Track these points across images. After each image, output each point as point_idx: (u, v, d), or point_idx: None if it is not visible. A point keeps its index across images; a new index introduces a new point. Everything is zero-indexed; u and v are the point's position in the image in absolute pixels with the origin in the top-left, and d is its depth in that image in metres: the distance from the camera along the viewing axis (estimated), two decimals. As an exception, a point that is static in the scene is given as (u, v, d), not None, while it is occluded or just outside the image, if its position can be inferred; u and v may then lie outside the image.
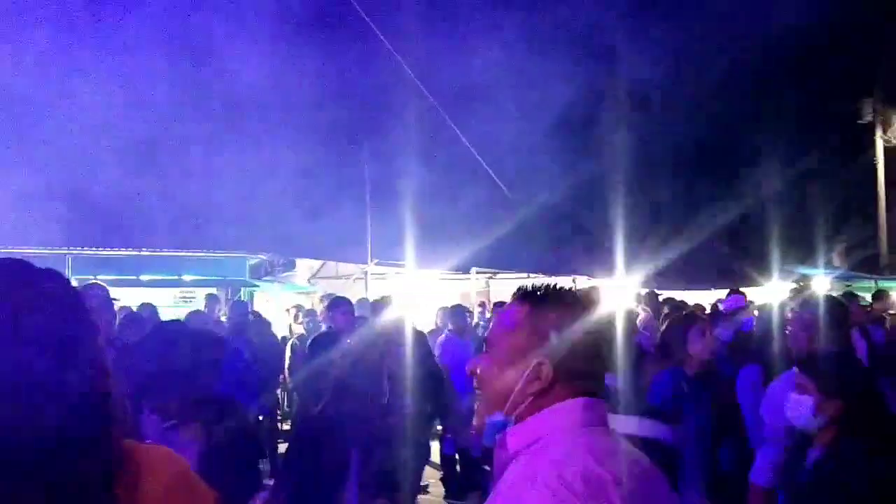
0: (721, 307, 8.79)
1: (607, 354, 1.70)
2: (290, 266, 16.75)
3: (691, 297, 12.72)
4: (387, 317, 6.74)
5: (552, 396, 1.61)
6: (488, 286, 14.66)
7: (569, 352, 1.62)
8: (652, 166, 18.99)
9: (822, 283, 15.07)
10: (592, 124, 17.15)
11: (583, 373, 1.63)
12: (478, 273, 13.96)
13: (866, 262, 19.54)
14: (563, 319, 1.64)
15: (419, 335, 6.54)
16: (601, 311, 1.72)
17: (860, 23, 21.75)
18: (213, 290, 12.88)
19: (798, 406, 2.90)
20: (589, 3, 14.82)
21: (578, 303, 1.69)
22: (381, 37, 12.15)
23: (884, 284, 15.63)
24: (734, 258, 15.99)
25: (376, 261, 12.53)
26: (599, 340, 1.66)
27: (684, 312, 6.92)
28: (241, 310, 9.65)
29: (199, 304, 11.94)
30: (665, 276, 13.48)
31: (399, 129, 12.52)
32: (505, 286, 13.88)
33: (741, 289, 11.10)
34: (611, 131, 16.36)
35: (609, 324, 1.75)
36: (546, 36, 15.20)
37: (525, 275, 14.25)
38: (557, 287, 1.74)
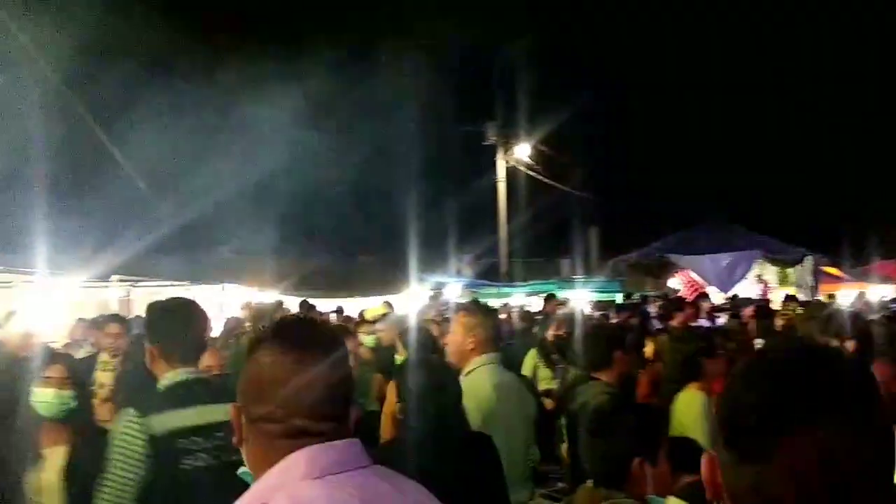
0: (367, 316, 9.29)
1: (296, 388, 1.49)
2: None
3: (338, 304, 13.22)
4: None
5: (264, 451, 1.50)
6: (129, 295, 13.86)
7: (252, 398, 1.53)
8: (301, 178, 19.30)
9: (454, 289, 16.53)
10: (245, 125, 16.95)
11: (272, 418, 1.49)
12: (120, 281, 13.14)
13: (490, 271, 21.80)
14: (250, 361, 1.56)
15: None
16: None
17: (484, 54, 24.27)
18: None
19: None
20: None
21: (264, 339, 1.57)
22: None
23: (504, 290, 17.54)
24: (379, 267, 16.86)
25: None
26: (271, 375, 1.50)
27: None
28: None
29: None
30: (312, 285, 13.81)
31: (25, 116, 11.38)
32: (147, 295, 13.25)
33: (386, 297, 11.82)
34: (262, 138, 16.32)
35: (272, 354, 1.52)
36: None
37: (169, 283, 13.71)
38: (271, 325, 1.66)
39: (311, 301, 12.59)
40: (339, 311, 12.01)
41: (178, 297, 3.49)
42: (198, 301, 3.36)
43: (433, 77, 21.59)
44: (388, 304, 9.90)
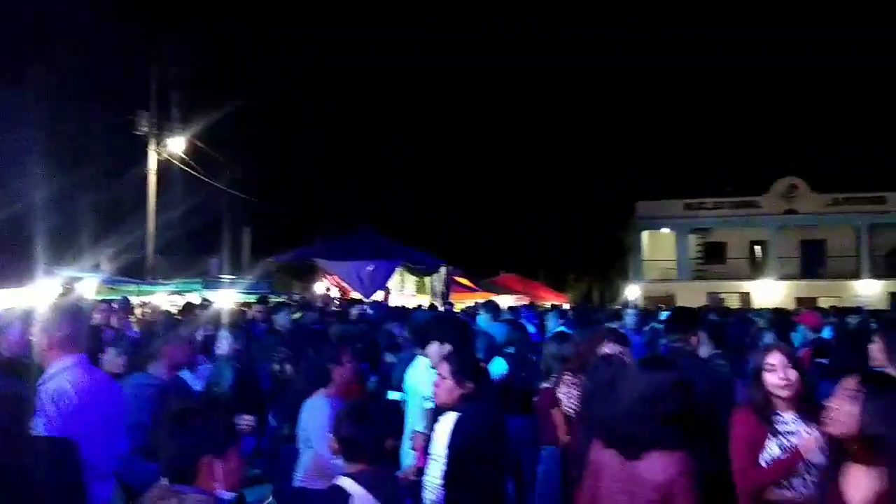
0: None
1: None
2: None
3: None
4: None
5: None
6: None
7: None
8: None
9: (90, 285, 15.51)
10: None
11: None
12: None
13: (133, 267, 20.73)
14: None
15: None
16: None
17: (141, 45, 23.16)
18: None
19: None
20: None
21: None
22: None
23: (145, 288, 16.83)
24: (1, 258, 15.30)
25: None
26: None
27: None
28: None
29: None
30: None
31: None
32: None
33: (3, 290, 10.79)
34: None
35: None
36: None
37: None
38: None
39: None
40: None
41: None
42: None
43: (78, 62, 20.16)
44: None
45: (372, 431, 3.21)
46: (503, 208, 39.34)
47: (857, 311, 14.63)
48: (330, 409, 4.48)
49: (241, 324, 10.18)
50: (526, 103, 50.07)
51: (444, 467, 3.59)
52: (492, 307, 10.13)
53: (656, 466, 3.14)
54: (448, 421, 3.68)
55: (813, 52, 61.33)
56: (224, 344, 7.36)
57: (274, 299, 14.65)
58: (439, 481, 3.59)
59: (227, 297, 16.09)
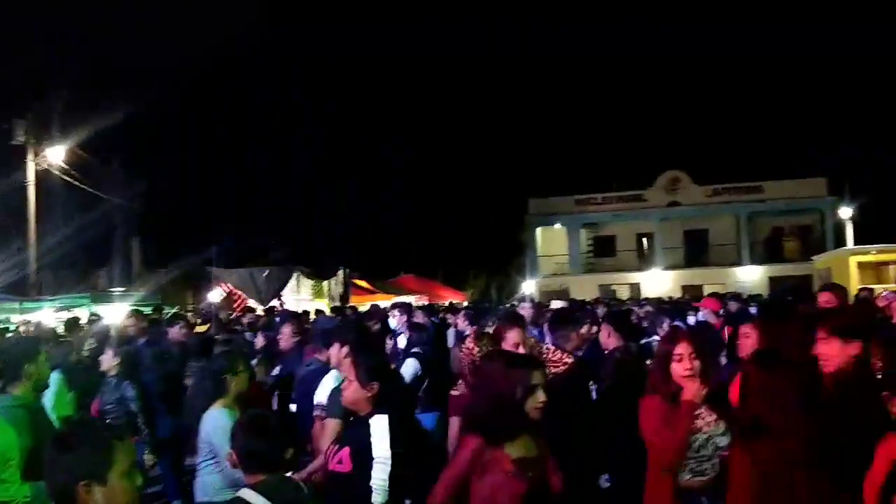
0: None
1: None
2: None
3: None
4: None
5: None
6: None
7: None
8: None
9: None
10: None
11: None
12: None
13: (17, 284, 19.79)
14: None
15: None
16: None
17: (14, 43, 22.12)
18: None
19: None
20: None
21: None
22: None
23: (28, 305, 16.17)
24: None
25: None
26: None
27: None
28: None
29: None
30: None
31: None
32: None
33: None
34: None
35: None
36: None
37: None
38: None
39: None
40: None
41: None
42: None
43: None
44: None
45: (269, 441, 3.21)
46: (399, 209, 39.52)
47: (736, 296, 15.39)
48: (228, 420, 4.42)
49: (129, 340, 9.91)
50: (419, 101, 50.38)
51: (388, 468, 3.66)
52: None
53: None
54: (381, 423, 3.74)
55: (691, 48, 63.99)
56: (106, 360, 7.04)
57: (168, 310, 14.32)
58: (385, 483, 3.64)
59: (117, 312, 15.61)
